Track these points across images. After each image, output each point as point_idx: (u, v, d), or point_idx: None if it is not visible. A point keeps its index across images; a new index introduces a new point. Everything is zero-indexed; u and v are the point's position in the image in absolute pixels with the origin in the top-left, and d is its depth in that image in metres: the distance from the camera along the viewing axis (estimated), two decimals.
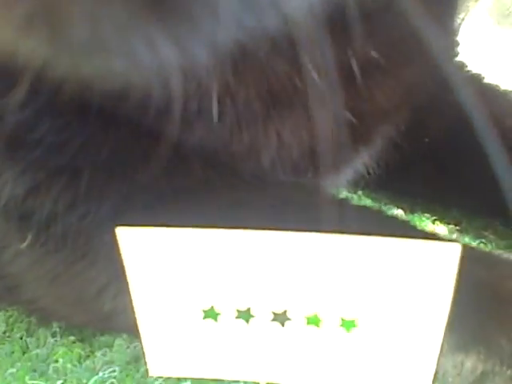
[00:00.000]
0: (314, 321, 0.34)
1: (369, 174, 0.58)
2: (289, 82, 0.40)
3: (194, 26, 0.19)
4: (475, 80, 0.61)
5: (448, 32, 0.58)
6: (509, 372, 0.40)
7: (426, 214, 0.58)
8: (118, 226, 0.34)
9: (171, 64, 0.21)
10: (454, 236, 0.54)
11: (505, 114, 0.57)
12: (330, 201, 0.48)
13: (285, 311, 0.34)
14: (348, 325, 0.34)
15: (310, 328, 0.34)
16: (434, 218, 0.58)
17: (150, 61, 0.20)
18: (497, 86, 0.62)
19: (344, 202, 0.51)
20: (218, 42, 0.21)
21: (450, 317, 0.41)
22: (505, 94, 0.62)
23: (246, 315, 0.35)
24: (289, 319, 0.34)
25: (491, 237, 0.55)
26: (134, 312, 0.44)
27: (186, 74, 0.23)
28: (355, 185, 0.62)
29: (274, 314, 0.34)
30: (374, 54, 0.34)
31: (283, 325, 0.35)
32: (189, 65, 0.23)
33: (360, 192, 0.63)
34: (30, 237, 0.42)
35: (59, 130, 0.40)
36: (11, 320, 0.50)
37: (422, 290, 0.33)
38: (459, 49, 0.60)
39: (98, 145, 0.41)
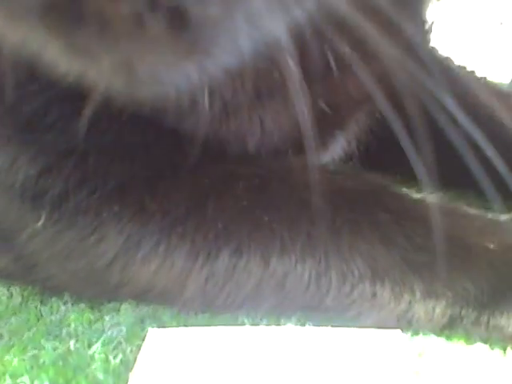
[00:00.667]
0: None
1: (350, 157, 0.63)
2: (270, 77, 0.43)
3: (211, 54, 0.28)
4: (445, 63, 0.67)
5: (419, 20, 0.63)
6: (475, 314, 0.45)
7: (403, 189, 0.63)
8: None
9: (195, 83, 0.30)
10: None
11: (469, 89, 0.63)
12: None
13: None
14: None
15: None
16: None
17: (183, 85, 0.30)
18: (464, 67, 0.67)
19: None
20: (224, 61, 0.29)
21: (421, 266, 0.46)
22: (470, 72, 0.67)
23: None
24: None
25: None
26: (139, 282, 0.49)
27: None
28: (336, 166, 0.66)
29: None
30: (347, 49, 0.38)
31: None
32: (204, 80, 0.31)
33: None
34: (44, 215, 0.47)
35: (69, 116, 0.44)
36: (26, 293, 0.54)
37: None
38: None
39: (104, 129, 0.45)
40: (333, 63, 0.44)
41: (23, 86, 0.39)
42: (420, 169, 0.36)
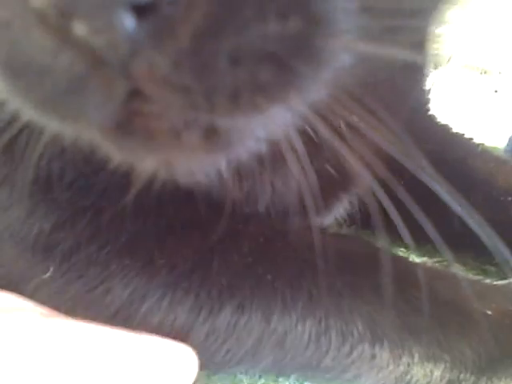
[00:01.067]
0: None
1: (352, 216, 0.64)
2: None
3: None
4: (444, 129, 0.69)
5: (420, 91, 0.65)
6: (473, 378, 0.45)
7: (401, 248, 0.64)
8: None
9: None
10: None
11: (467, 155, 0.66)
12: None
13: None
14: None
15: None
16: (409, 252, 0.64)
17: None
18: (462, 134, 0.70)
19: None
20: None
21: (419, 329, 0.46)
22: (468, 139, 0.70)
23: None
24: None
25: (461, 268, 0.61)
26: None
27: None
28: (340, 225, 0.68)
29: None
30: (355, 119, 0.41)
31: None
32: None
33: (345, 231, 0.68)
34: (52, 267, 0.47)
35: (86, 176, 0.46)
36: None
37: None
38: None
39: (118, 189, 0.47)
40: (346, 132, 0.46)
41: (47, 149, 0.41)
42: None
